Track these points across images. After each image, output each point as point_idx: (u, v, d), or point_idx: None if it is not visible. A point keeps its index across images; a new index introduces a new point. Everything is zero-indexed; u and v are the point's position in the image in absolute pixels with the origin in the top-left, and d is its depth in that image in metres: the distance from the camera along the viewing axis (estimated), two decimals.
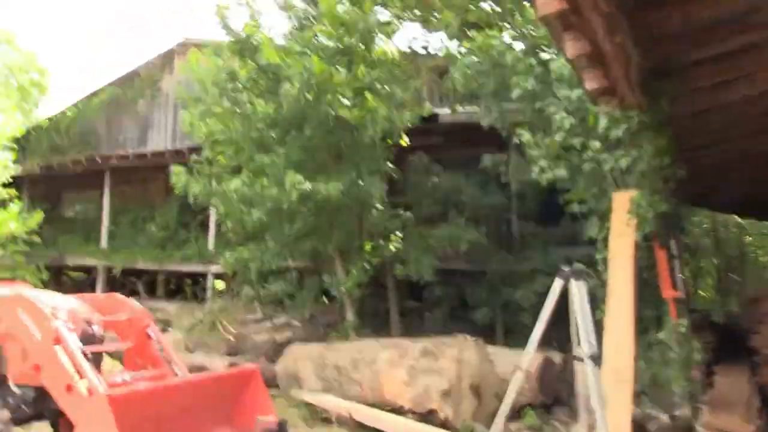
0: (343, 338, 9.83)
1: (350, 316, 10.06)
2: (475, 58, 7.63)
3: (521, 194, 10.34)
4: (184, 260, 15.51)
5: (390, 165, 10.20)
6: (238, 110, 9.18)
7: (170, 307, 15.67)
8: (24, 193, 19.81)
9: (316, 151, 9.37)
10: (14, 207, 16.68)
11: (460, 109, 10.53)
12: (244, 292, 11.15)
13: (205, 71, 9.66)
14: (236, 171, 9.44)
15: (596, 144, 4.99)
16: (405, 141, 10.63)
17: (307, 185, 7.92)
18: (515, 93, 6.12)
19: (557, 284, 4.22)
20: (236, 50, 9.69)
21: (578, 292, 4.06)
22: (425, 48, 10.52)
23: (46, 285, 17.32)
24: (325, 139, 9.31)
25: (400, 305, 10.97)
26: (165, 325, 13.32)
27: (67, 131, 19.83)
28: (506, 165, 9.16)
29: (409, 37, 9.64)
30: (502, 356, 7.28)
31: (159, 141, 17.41)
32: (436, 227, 9.71)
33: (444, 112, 11.46)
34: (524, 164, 7.77)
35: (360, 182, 9.13)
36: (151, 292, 17.69)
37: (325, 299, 11.27)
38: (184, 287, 17.75)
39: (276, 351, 9.69)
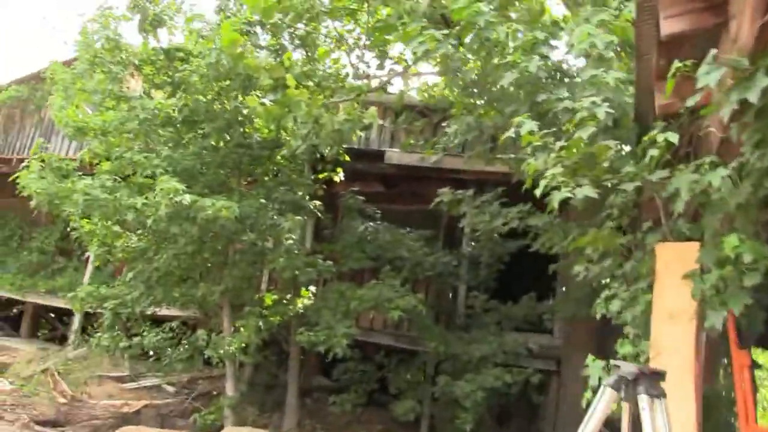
0: (215, 419, 7.22)
1: (230, 389, 7.47)
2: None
3: (474, 258, 8.17)
4: (49, 292, 12.53)
5: (316, 203, 7.97)
6: (120, 93, 6.84)
7: (25, 349, 12.58)
8: None
9: (217, 164, 7.07)
10: None
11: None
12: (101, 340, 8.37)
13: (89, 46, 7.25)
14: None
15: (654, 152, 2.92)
16: (338, 177, 8.47)
17: (186, 198, 5.52)
18: (507, 79, 4.09)
19: (606, 396, 1.98)
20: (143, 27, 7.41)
21: (653, 416, 1.83)
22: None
23: None
24: (231, 150, 7.05)
25: (302, 381, 8.45)
26: (2, 369, 10.30)
27: None
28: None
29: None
30: None
31: (64, 150, 14.62)
32: (362, 286, 7.36)
33: (393, 151, 9.39)
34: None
35: (270, 211, 6.82)
36: (15, 326, 14.46)
37: (205, 362, 8.62)
38: (54, 325, 14.64)
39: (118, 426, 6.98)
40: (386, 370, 8.27)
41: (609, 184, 3.38)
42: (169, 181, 5.52)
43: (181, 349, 8.13)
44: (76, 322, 12.21)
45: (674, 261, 3.07)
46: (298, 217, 6.80)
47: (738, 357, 3.04)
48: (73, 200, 5.95)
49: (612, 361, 2.24)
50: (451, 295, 8.80)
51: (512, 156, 5.32)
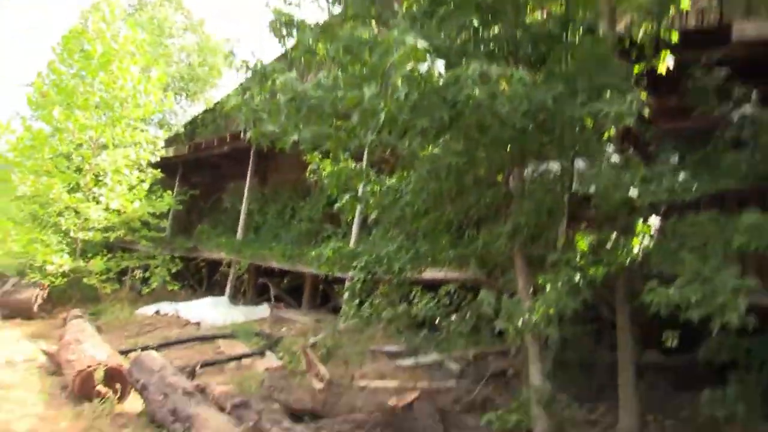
0: (518, 420, 4.93)
1: (536, 375, 5.11)
2: None
3: None
4: (310, 264, 11.56)
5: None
6: None
7: (303, 320, 11.89)
8: (177, 176, 17.68)
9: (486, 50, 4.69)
10: (143, 186, 14.23)
11: None
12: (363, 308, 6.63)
13: None
14: None
15: None
16: (664, 65, 5.53)
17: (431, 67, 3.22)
18: None
19: None
20: None
21: None
22: None
23: (175, 276, 14.67)
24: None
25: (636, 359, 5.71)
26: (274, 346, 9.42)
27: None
28: None
29: None
30: None
31: None
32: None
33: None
34: None
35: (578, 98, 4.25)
36: (295, 297, 14.08)
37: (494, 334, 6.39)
38: (334, 294, 13.87)
39: (386, 426, 5.09)
40: None
41: None
42: (405, 34, 3.26)
43: (461, 320, 6.02)
44: (347, 289, 11.06)
45: None
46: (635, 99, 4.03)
47: None
48: (274, 107, 4.08)
49: None
50: None
51: None
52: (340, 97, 3.74)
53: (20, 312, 12.27)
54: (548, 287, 4.63)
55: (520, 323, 4.52)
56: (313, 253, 6.32)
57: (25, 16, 55.85)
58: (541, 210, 4.96)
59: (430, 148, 4.67)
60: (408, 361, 8.31)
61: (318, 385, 5.95)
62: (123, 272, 15.12)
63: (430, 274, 7.02)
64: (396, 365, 8.12)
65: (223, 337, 10.12)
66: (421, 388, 6.64)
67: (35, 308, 12.47)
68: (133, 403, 6.47)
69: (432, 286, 7.23)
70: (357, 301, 6.03)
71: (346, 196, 5.81)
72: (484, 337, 6.26)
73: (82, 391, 6.49)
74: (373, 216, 5.19)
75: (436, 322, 6.62)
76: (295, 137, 4.66)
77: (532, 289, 5.29)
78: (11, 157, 13.46)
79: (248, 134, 4.86)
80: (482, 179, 4.97)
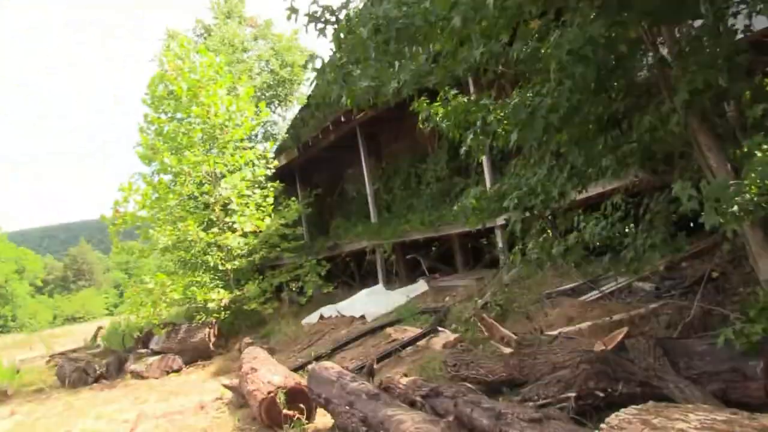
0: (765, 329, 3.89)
1: (765, 268, 4.04)
2: None
3: None
4: (456, 218, 10.79)
5: None
6: None
7: (463, 283, 11.24)
8: (296, 180, 17.67)
9: None
10: (269, 201, 14.27)
11: None
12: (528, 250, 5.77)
13: None
14: None
15: None
16: None
17: None
18: None
19: None
20: None
21: None
22: None
23: (327, 278, 14.61)
24: None
25: None
26: (444, 319, 8.82)
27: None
28: None
29: None
30: None
31: None
32: None
33: None
34: None
35: None
36: (447, 263, 13.49)
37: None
38: (486, 249, 13.05)
39: (600, 375, 4.23)
40: None
41: None
42: None
43: (648, 229, 5.00)
44: (499, 236, 10.24)
45: None
46: None
47: None
48: (358, 43, 3.31)
49: None
50: None
51: None
52: (430, 4, 2.92)
53: (199, 354, 12.68)
54: (758, 153, 3.56)
55: (735, 208, 3.49)
56: (456, 207, 5.56)
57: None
58: (716, 62, 3.84)
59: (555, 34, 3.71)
60: (592, 295, 7.37)
61: (506, 349, 5.21)
62: (279, 289, 15.33)
63: (587, 193, 6.03)
64: (580, 303, 7.22)
65: (391, 324, 9.70)
66: (621, 320, 5.71)
67: (211, 346, 12.84)
68: (323, 418, 6.13)
69: (590, 207, 6.23)
70: (519, 245, 5.20)
71: (470, 135, 4.98)
72: (681, 244, 5.19)
73: (271, 419, 6.25)
74: (511, 143, 4.30)
75: (613, 243, 5.63)
76: (394, 84, 3.93)
77: (729, 166, 4.22)
78: (144, 215, 13.95)
79: (343, 100, 4.19)
80: (631, 50, 3.92)
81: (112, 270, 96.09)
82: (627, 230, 5.20)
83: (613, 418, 2.48)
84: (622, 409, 2.54)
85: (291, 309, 14.09)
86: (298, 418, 5.97)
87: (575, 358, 4.68)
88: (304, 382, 6.53)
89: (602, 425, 2.52)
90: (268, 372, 7.14)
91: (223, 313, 13.39)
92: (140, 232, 14.14)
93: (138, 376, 11.97)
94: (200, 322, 13.30)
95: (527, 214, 4.82)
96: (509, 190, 4.82)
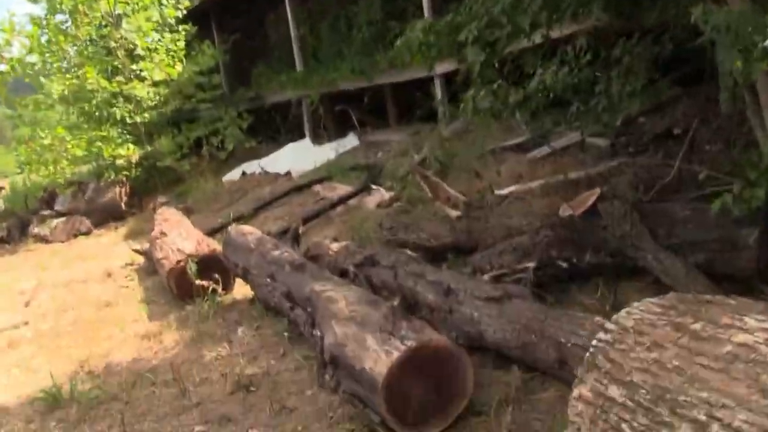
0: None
1: None
2: None
3: None
4: (392, 66, 9.73)
5: None
6: None
7: (396, 138, 10.45)
8: (212, 24, 15.77)
9: None
10: (180, 46, 12.65)
11: None
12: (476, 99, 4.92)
13: None
14: None
15: None
16: None
17: None
18: None
19: None
20: None
21: None
22: None
23: (250, 132, 13.43)
24: None
25: None
26: (377, 176, 8.07)
27: None
28: None
29: None
30: None
31: None
32: None
33: None
34: None
35: None
36: (380, 116, 12.53)
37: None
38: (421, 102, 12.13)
39: (565, 244, 3.65)
40: None
41: None
42: None
43: (626, 74, 4.22)
44: (438, 87, 9.33)
45: None
46: None
47: None
48: None
49: None
50: None
51: None
52: None
53: (110, 214, 11.65)
54: None
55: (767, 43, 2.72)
56: (398, 43, 4.58)
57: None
58: None
59: None
60: (540, 151, 6.73)
61: (452, 211, 4.52)
62: (199, 145, 14.05)
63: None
64: (528, 160, 6.59)
65: (319, 181, 8.91)
66: (577, 178, 5.08)
67: (123, 206, 11.79)
68: (243, 288, 5.43)
69: (544, 54, 5.37)
70: (473, 90, 4.35)
71: None
72: (661, 90, 4.48)
73: (181, 290, 5.52)
74: None
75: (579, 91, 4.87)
76: None
77: None
78: (34, 60, 12.10)
79: None
80: None
81: (20, 126, 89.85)
82: (598, 75, 4.43)
83: (625, 317, 1.81)
84: (635, 304, 1.86)
85: (210, 166, 12.97)
86: (213, 290, 5.25)
87: (534, 222, 4.05)
88: (220, 248, 5.76)
89: (610, 324, 1.84)
90: (178, 237, 6.30)
91: (134, 170, 12.18)
92: (31, 81, 12.36)
93: (42, 240, 10.90)
94: (109, 180, 12.07)
95: (488, 50, 3.92)
96: (465, 21, 3.88)
